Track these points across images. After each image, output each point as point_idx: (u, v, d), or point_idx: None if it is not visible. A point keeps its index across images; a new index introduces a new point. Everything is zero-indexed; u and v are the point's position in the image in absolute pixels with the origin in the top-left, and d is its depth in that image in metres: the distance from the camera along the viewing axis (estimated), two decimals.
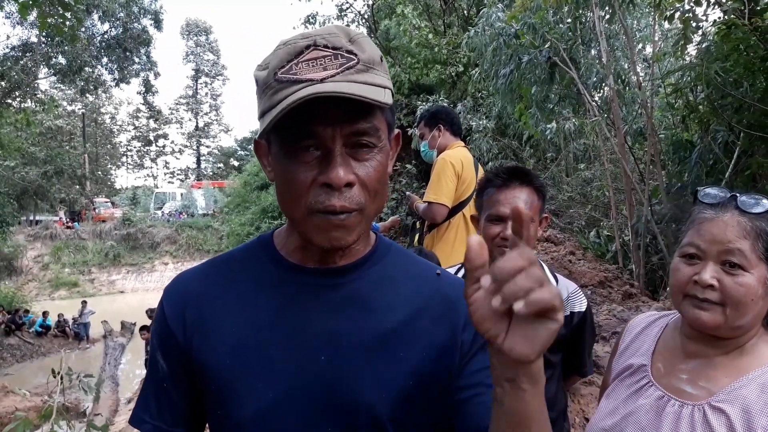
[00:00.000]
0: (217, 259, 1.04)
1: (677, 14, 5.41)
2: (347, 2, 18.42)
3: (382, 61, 0.88)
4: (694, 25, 5.39)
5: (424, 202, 3.60)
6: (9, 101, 20.84)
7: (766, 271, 1.17)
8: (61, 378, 5.12)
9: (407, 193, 4.38)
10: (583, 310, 1.95)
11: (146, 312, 14.87)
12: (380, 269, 0.98)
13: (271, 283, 0.96)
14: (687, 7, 5.29)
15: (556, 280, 1.98)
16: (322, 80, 0.80)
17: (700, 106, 5.92)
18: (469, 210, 3.52)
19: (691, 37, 5.51)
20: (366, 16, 17.61)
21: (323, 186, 0.83)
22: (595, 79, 7.10)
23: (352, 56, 0.83)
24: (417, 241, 3.75)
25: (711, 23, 5.51)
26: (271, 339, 0.91)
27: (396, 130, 0.97)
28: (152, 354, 1.00)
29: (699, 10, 5.32)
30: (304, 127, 0.82)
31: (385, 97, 0.83)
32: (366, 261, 0.98)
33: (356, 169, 0.84)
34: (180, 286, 1.00)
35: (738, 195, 1.24)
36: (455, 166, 3.52)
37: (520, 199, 1.83)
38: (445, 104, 13.30)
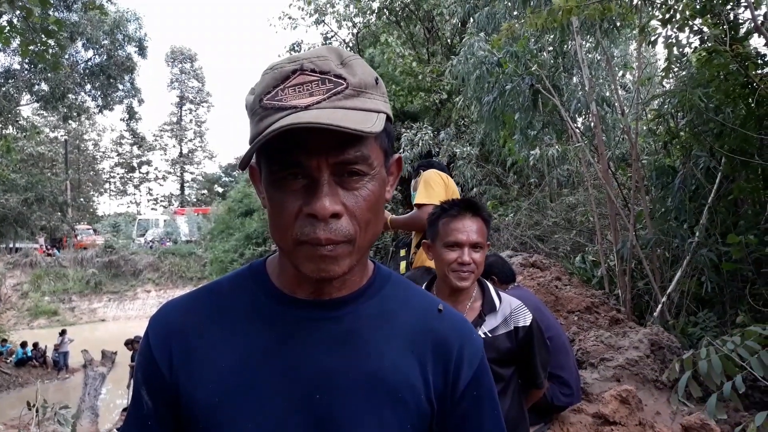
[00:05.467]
0: (206, 288, 0.99)
1: (660, 40, 5.50)
2: (332, 30, 18.63)
3: (377, 83, 0.84)
4: (679, 51, 5.48)
5: (414, 205, 3.51)
6: None
7: None
8: (37, 410, 4.98)
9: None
10: (528, 324, 2.07)
11: (125, 344, 14.58)
12: (378, 302, 0.93)
13: (262, 315, 0.90)
14: (671, 32, 5.38)
15: (500, 299, 2.12)
16: (306, 107, 0.77)
17: (682, 132, 6.00)
18: None
19: (674, 62, 5.60)
20: (351, 45, 17.81)
21: (309, 216, 0.79)
22: (579, 105, 7.18)
23: (340, 81, 0.79)
24: (405, 268, 3.67)
25: (692, 50, 5.61)
26: (261, 376, 0.86)
27: (396, 155, 0.93)
28: (136, 389, 0.94)
29: (682, 36, 5.42)
30: (289, 156, 0.78)
31: (376, 123, 0.78)
32: (363, 293, 0.93)
33: (344, 199, 0.80)
34: (166, 316, 0.94)
35: None
36: (442, 177, 3.49)
37: (474, 228, 2.06)
38: (429, 131, 13.40)
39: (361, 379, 0.86)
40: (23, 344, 19.48)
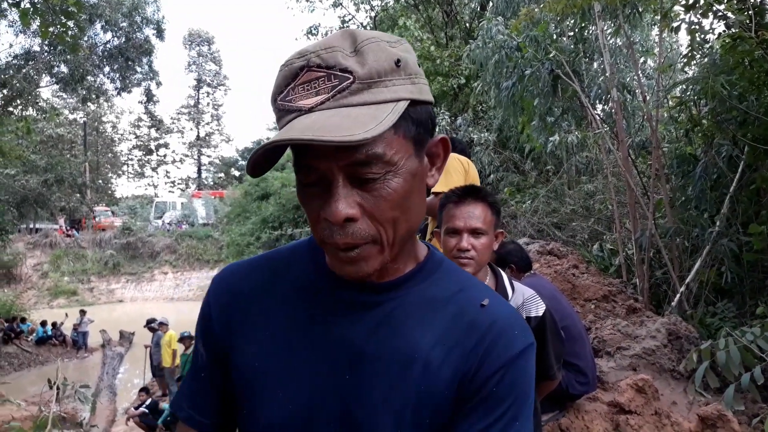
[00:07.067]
0: (267, 255, 1.01)
1: (683, 26, 5.41)
2: (349, 14, 18.54)
3: (399, 65, 0.78)
4: (700, 37, 5.38)
5: (432, 194, 3.47)
6: (10, 109, 20.85)
7: None
8: (57, 388, 5.07)
9: None
10: (540, 314, 2.04)
11: (146, 324, 14.64)
12: (423, 290, 0.90)
13: (308, 290, 0.91)
14: (694, 19, 5.28)
15: (513, 288, 2.08)
16: (309, 109, 0.74)
17: (704, 120, 5.91)
18: None
19: (698, 48, 5.51)
20: (368, 28, 17.69)
21: (326, 221, 0.77)
22: (599, 91, 7.09)
23: (347, 75, 0.75)
24: None
25: (716, 36, 5.51)
26: (298, 350, 0.88)
27: (439, 135, 0.87)
28: (196, 342, 1.01)
29: (705, 23, 5.32)
30: (303, 159, 0.77)
31: (384, 119, 0.73)
32: (408, 280, 0.90)
33: (362, 200, 0.76)
34: (227, 278, 0.98)
35: None
36: (462, 162, 3.47)
37: (473, 213, 2.01)
38: (447, 117, 13.33)
39: (391, 367, 0.85)
40: (43, 323, 19.83)
